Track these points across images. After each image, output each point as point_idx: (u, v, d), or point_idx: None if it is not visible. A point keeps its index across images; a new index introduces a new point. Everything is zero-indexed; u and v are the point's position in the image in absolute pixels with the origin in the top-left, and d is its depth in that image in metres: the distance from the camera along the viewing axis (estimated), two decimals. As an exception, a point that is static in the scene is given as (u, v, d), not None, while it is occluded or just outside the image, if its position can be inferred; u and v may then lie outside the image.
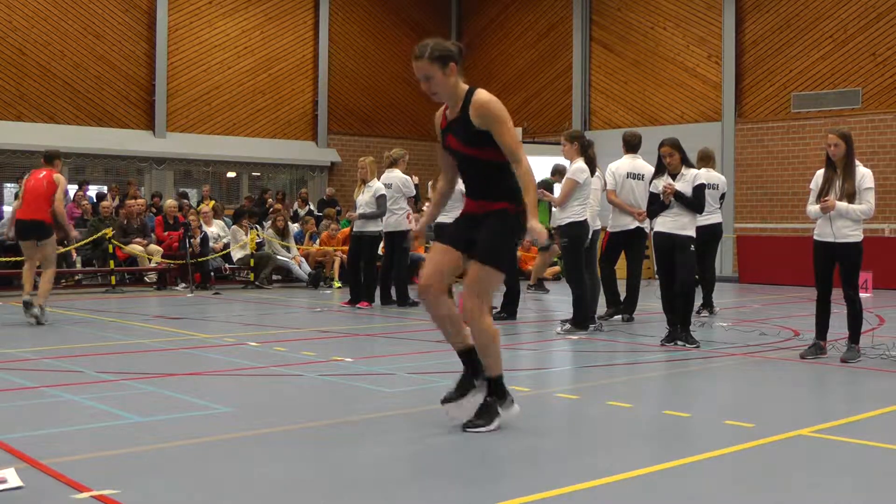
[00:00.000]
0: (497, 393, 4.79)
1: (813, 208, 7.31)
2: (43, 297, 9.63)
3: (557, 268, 17.87)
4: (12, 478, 3.72)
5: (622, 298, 10.37)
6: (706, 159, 11.26)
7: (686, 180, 8.18)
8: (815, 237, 7.37)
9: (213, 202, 18.38)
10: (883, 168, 17.62)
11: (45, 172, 9.86)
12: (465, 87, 4.73)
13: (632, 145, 10.36)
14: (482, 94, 4.67)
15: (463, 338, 4.80)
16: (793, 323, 10.11)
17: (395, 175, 12.10)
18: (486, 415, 4.75)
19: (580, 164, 9.24)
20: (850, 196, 7.14)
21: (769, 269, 17.06)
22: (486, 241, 4.71)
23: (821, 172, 7.39)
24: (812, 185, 7.44)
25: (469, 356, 4.82)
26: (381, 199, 11.83)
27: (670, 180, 8.17)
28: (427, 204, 15.67)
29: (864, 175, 7.22)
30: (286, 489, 3.77)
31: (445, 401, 4.84)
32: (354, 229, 12.23)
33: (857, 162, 7.30)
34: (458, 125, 4.73)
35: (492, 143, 4.65)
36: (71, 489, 3.65)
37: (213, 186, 20.90)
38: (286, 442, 4.59)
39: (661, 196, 8.15)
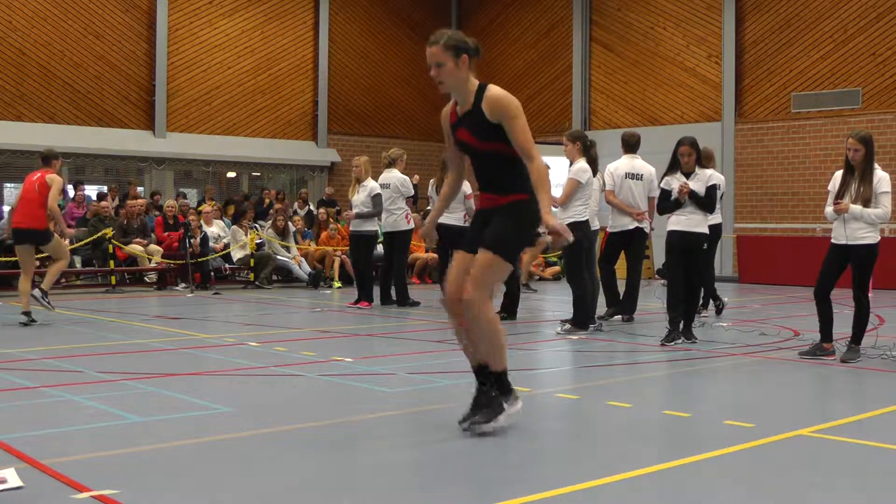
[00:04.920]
0: (501, 388, 4.71)
1: (829, 210, 7.34)
2: (47, 283, 9.75)
3: (557, 268, 17.87)
4: (12, 478, 3.72)
5: (622, 298, 10.37)
6: (707, 159, 11.22)
7: (700, 180, 8.25)
8: (831, 240, 7.37)
9: (213, 203, 18.37)
10: (883, 168, 17.54)
11: (38, 175, 9.70)
12: (476, 82, 4.71)
13: (630, 145, 10.35)
14: (496, 89, 4.65)
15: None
16: (793, 323, 10.11)
17: (394, 175, 12.09)
18: (489, 411, 4.66)
19: (582, 163, 9.25)
20: (867, 200, 7.13)
21: (769, 269, 17.05)
22: (495, 229, 4.65)
23: (839, 174, 7.39)
24: (830, 187, 7.44)
25: (485, 372, 4.72)
26: (376, 199, 11.81)
27: (684, 179, 8.22)
28: (429, 206, 15.69)
29: (882, 179, 7.22)
30: (286, 489, 3.77)
31: (464, 421, 4.73)
32: (351, 229, 12.24)
33: (876, 165, 7.30)
34: (470, 119, 4.69)
35: (506, 137, 4.62)
36: (71, 489, 3.65)
37: (213, 186, 20.88)
38: (286, 442, 4.59)
39: (677, 195, 8.19)
